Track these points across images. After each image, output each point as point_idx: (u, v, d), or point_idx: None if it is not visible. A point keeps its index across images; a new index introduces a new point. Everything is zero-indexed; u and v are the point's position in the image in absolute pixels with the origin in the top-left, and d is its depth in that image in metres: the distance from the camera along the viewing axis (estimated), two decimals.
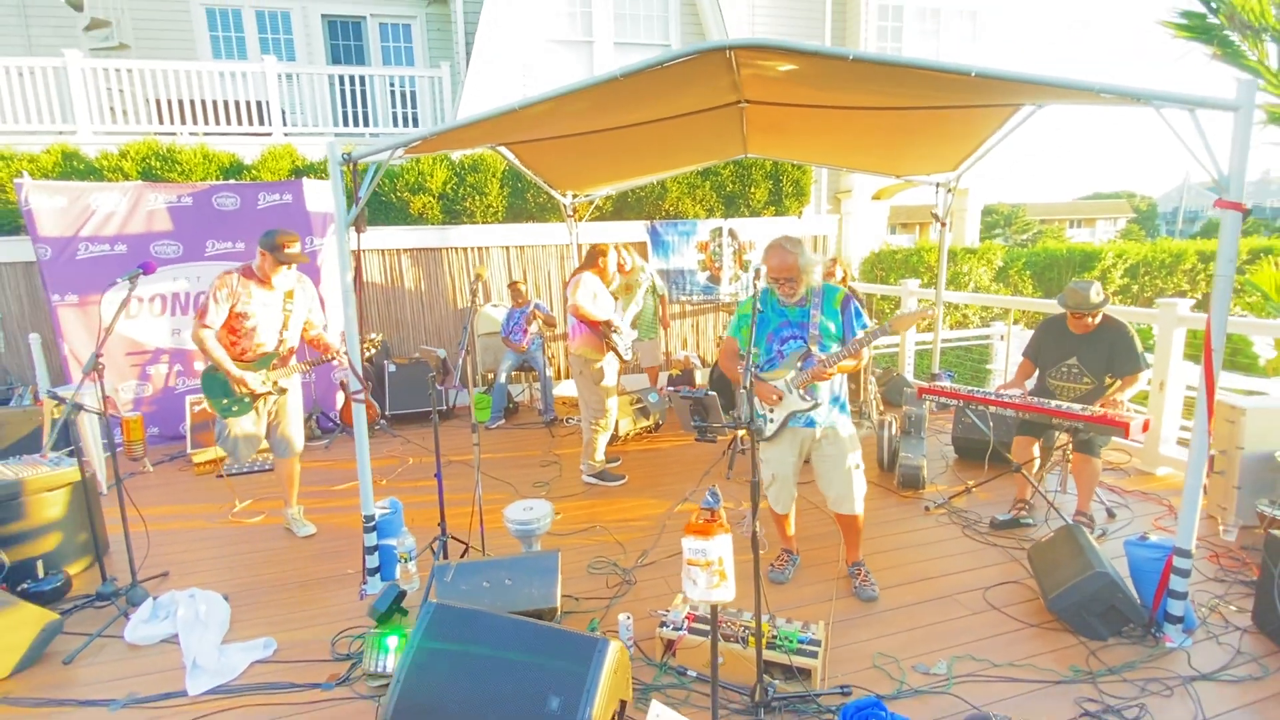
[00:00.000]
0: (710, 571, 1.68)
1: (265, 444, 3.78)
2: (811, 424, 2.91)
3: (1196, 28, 3.57)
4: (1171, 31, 3.67)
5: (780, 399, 2.88)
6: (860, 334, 2.80)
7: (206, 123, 8.22)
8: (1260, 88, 3.51)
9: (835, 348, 2.81)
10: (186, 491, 4.61)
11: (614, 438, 5.30)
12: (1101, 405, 3.31)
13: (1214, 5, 3.46)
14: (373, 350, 3.76)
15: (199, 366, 3.70)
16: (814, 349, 2.82)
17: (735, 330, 3.03)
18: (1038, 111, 3.58)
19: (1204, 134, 2.36)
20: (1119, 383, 3.44)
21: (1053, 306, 3.78)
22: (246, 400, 3.57)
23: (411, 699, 2.04)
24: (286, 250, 3.43)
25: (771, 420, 2.95)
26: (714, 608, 1.84)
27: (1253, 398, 3.69)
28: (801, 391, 2.85)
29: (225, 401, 3.56)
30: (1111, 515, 3.74)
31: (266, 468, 4.99)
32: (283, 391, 3.70)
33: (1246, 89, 2.29)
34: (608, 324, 4.28)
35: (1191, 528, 2.55)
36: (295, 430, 3.80)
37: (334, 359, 3.73)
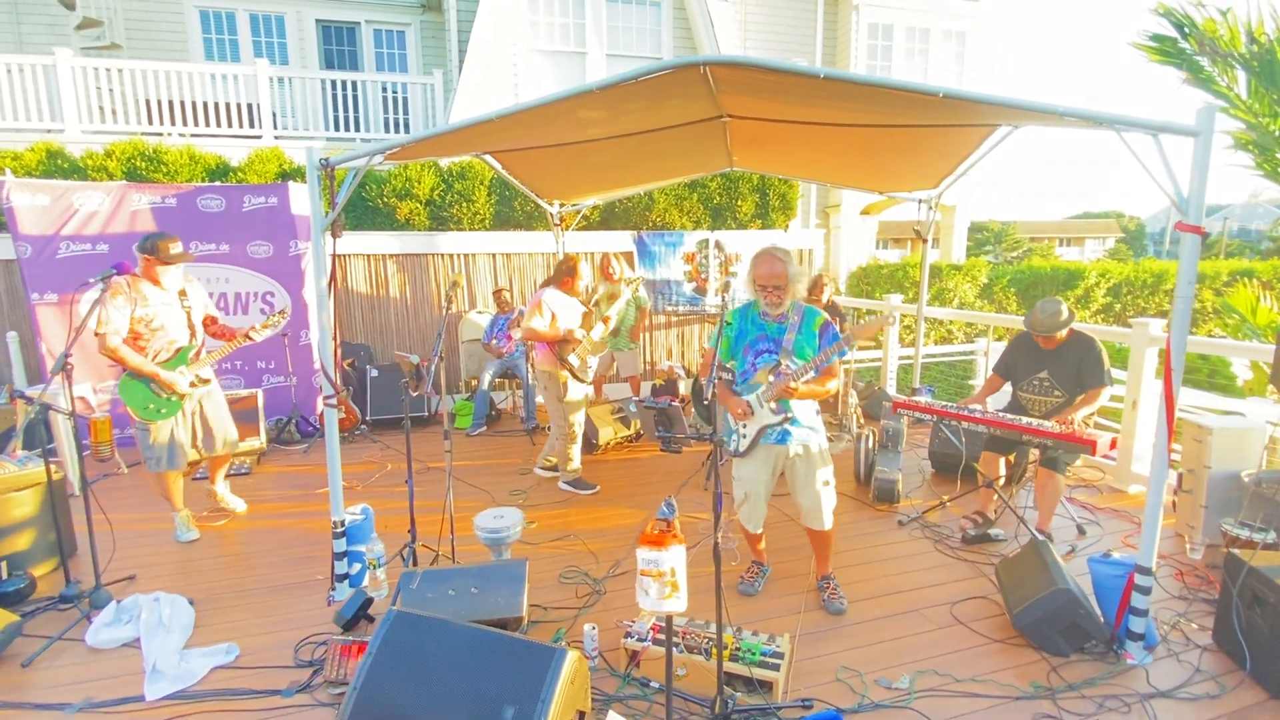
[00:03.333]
0: (662, 582, 1.69)
1: (200, 451, 3.78)
2: (784, 440, 2.91)
3: (1168, 52, 3.64)
4: (1145, 55, 3.74)
5: (751, 413, 2.90)
6: (823, 351, 2.79)
7: (197, 124, 8.22)
8: (1229, 113, 3.58)
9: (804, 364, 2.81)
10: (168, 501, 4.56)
11: (594, 447, 5.31)
12: (1057, 421, 3.35)
13: (1185, 30, 3.52)
14: (283, 321, 3.85)
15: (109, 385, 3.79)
16: (784, 362, 2.83)
17: (715, 341, 3.04)
18: (1014, 132, 3.64)
19: (1166, 158, 2.41)
20: (1079, 398, 3.49)
21: None
22: (174, 400, 3.56)
23: (368, 707, 2.03)
24: (170, 251, 3.47)
25: (744, 436, 2.96)
26: (669, 619, 1.85)
27: (1221, 418, 3.73)
28: (772, 405, 2.86)
29: (150, 406, 3.51)
30: (1082, 532, 3.77)
31: (243, 471, 4.96)
32: (205, 382, 3.71)
33: (1206, 115, 2.34)
34: (565, 340, 4.18)
35: (1153, 546, 2.57)
36: (224, 422, 3.83)
37: (250, 339, 3.71)
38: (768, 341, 2.91)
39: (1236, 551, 2.67)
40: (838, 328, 2.92)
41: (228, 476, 4.34)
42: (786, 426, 2.88)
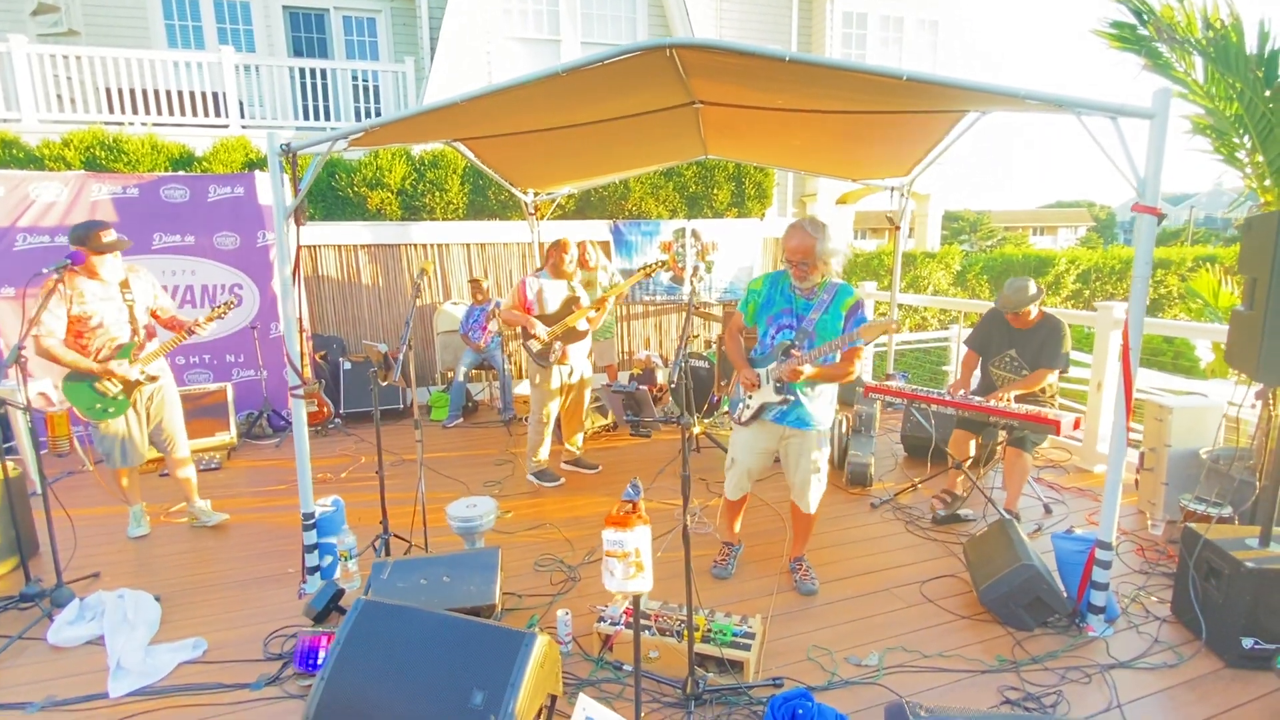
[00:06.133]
0: (627, 563, 1.69)
1: (154, 448, 3.68)
2: (781, 420, 2.90)
3: (1128, 38, 3.69)
4: (1105, 42, 3.79)
5: (758, 386, 2.89)
6: (831, 342, 2.71)
7: (160, 113, 8.00)
8: (1188, 98, 3.65)
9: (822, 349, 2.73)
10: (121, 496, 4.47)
11: None
12: (992, 398, 3.45)
13: (1144, 17, 3.57)
14: (229, 311, 3.62)
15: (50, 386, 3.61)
16: (799, 344, 2.80)
17: (743, 305, 3.02)
18: (983, 118, 3.68)
19: (1125, 141, 2.45)
20: (1030, 375, 3.56)
21: None
22: (121, 398, 3.41)
23: (336, 696, 2.01)
24: (102, 239, 3.26)
25: (748, 407, 2.96)
26: (636, 598, 1.86)
27: (1180, 397, 3.83)
28: (777, 384, 2.84)
29: (98, 405, 3.38)
30: (1048, 511, 3.85)
31: (214, 466, 4.87)
32: (153, 379, 3.55)
33: (1162, 98, 2.38)
34: (526, 328, 4.17)
35: (1112, 521, 2.64)
36: (177, 424, 3.70)
37: (193, 333, 3.52)
38: (791, 316, 2.86)
39: (1193, 525, 2.75)
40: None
41: (200, 472, 4.23)
42: (788, 408, 2.87)
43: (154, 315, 3.61)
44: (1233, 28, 3.17)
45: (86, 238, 3.26)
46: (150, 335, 3.58)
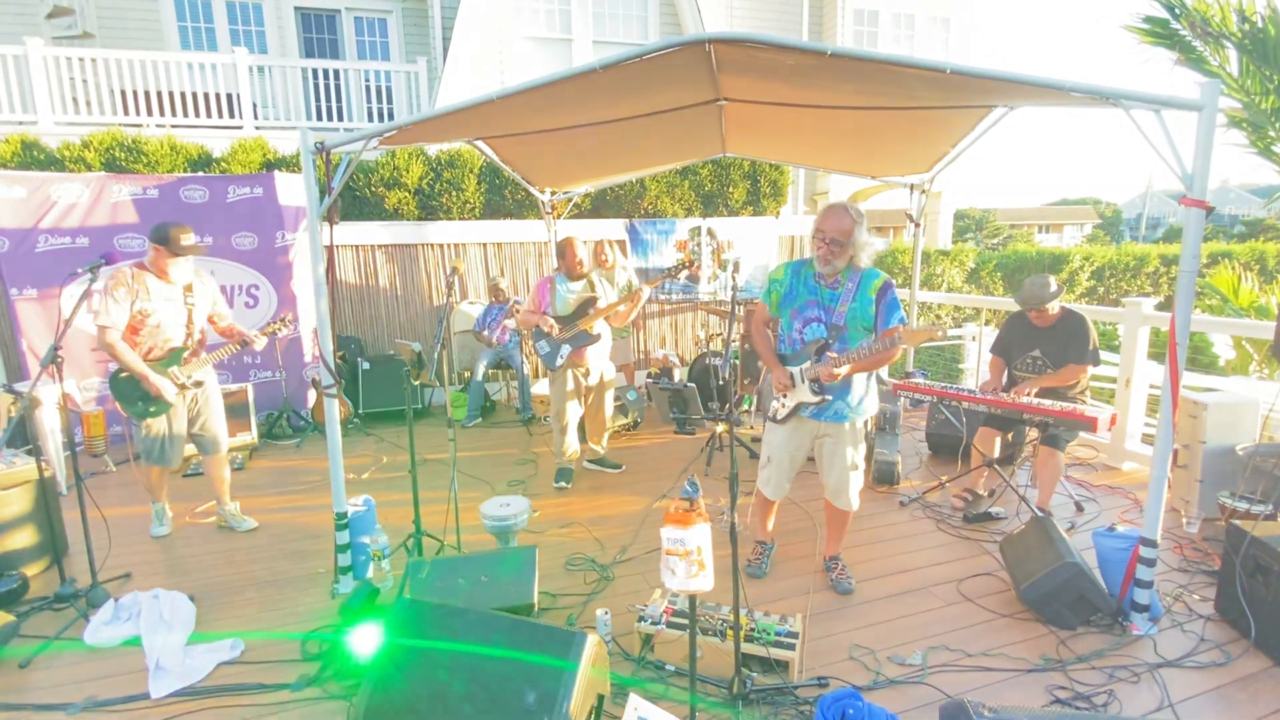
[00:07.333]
0: (689, 561, 1.67)
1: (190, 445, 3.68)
2: (819, 416, 2.87)
3: (1161, 33, 3.66)
4: (1137, 37, 3.76)
5: (792, 386, 2.85)
6: (864, 345, 2.65)
7: (175, 114, 8.01)
8: (1222, 91, 3.62)
9: (866, 341, 2.66)
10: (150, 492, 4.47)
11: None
12: (1015, 393, 3.41)
13: (1177, 12, 3.55)
14: (285, 330, 3.70)
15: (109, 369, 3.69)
16: (832, 342, 2.76)
17: (765, 295, 2.97)
18: (1009, 114, 3.65)
19: (1169, 134, 2.42)
20: (1061, 371, 3.53)
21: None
22: (163, 401, 3.43)
23: (385, 697, 2.00)
24: (181, 242, 3.28)
25: (783, 405, 2.93)
26: (692, 598, 1.84)
27: (1213, 394, 3.79)
28: (813, 385, 2.80)
29: (141, 404, 3.39)
30: (1080, 509, 3.82)
31: (236, 466, 4.87)
32: (199, 385, 3.58)
33: (1210, 90, 2.35)
34: (541, 327, 4.20)
35: (1157, 518, 2.61)
36: (219, 425, 3.71)
37: (248, 345, 3.56)
38: (818, 308, 2.79)
39: (1238, 522, 2.72)
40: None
41: (199, 475, 4.21)
42: (825, 404, 2.82)
43: (210, 320, 3.62)
44: (1270, 21, 3.14)
45: (166, 238, 3.27)
46: (202, 342, 3.59)
